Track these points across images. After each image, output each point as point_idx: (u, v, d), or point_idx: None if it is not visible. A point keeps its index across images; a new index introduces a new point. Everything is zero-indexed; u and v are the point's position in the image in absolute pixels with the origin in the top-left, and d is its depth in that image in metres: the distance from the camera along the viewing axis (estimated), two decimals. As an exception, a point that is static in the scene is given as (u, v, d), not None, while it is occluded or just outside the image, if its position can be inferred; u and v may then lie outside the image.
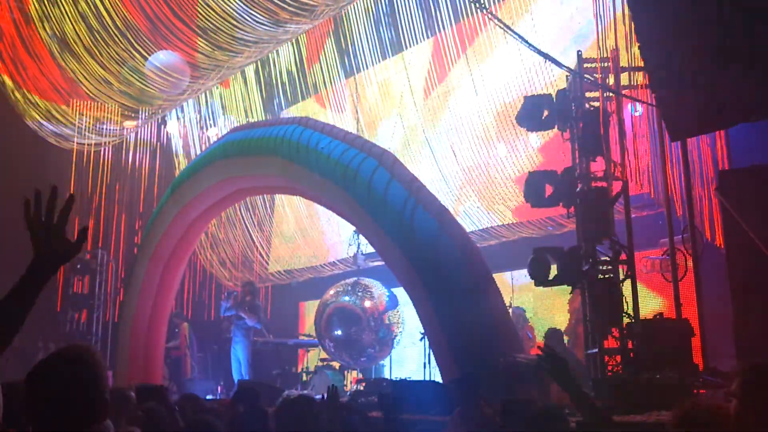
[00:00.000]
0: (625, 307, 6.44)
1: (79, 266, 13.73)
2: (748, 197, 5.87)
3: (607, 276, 6.56)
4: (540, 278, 6.70)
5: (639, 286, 6.78)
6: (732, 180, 6.35)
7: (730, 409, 2.22)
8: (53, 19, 11.97)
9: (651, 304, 8.83)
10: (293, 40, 13.33)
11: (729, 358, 6.06)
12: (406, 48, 12.41)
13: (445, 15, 11.59)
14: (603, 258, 6.65)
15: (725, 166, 8.19)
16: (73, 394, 1.79)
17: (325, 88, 13.67)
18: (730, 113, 5.94)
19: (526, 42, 6.79)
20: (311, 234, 14.73)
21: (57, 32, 11.97)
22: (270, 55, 13.79)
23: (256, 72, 14.59)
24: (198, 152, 13.45)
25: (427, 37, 12.16)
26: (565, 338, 8.90)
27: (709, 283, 6.84)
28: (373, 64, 12.86)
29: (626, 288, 6.60)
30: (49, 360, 1.86)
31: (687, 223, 6.87)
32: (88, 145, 14.46)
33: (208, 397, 10.51)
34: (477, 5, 8.20)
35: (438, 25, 11.83)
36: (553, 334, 8.13)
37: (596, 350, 6.46)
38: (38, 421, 1.79)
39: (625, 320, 6.44)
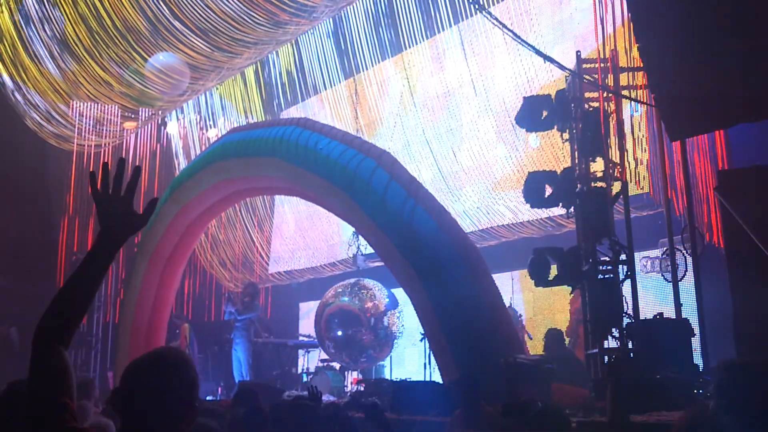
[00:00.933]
0: (625, 307, 6.45)
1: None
2: (748, 197, 5.86)
3: (606, 276, 6.56)
4: (540, 278, 6.71)
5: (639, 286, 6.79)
6: (731, 180, 6.34)
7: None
8: (53, 20, 11.98)
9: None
10: (293, 41, 13.34)
11: (729, 358, 6.06)
12: (406, 48, 12.41)
13: (445, 16, 11.60)
14: (603, 258, 6.66)
15: (725, 166, 8.18)
16: (177, 395, 1.78)
17: (325, 88, 13.67)
18: (729, 113, 5.95)
19: (525, 42, 6.78)
20: (311, 235, 14.74)
21: (57, 34, 11.97)
22: (270, 55, 13.81)
23: (256, 73, 14.59)
24: (198, 153, 13.44)
25: (427, 38, 12.16)
26: (567, 339, 8.90)
27: (709, 283, 6.84)
28: (372, 65, 12.86)
29: (626, 288, 6.61)
30: (155, 359, 1.84)
31: (687, 223, 6.88)
32: (88, 146, 14.47)
33: (209, 398, 10.51)
34: (476, 6, 8.20)
35: (437, 26, 11.84)
36: (552, 334, 8.12)
37: (596, 350, 6.46)
38: (132, 418, 1.76)
39: (625, 320, 6.44)
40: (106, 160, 13.23)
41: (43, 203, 15.01)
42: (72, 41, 11.89)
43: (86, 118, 13.64)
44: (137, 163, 12.63)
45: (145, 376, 1.79)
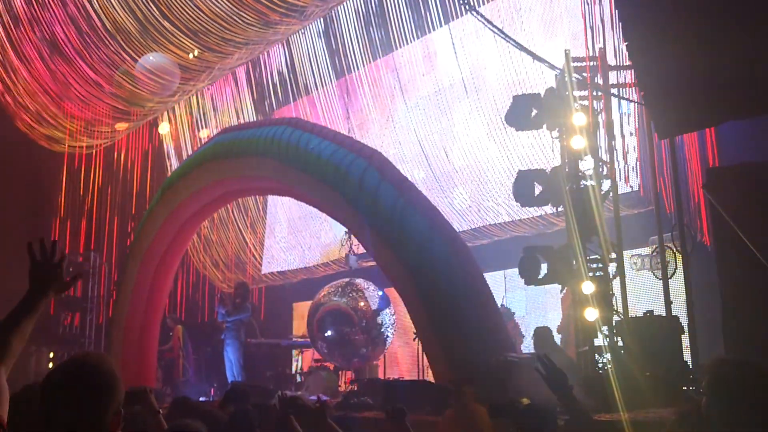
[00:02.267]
0: (615, 304, 6.47)
1: (71, 269, 13.69)
2: (736, 195, 5.89)
3: (596, 274, 6.58)
4: (530, 277, 6.72)
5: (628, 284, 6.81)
6: (719, 177, 6.36)
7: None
8: (43, 21, 11.95)
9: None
10: (284, 41, 13.33)
11: (721, 355, 6.08)
12: (397, 48, 12.41)
13: (435, 15, 11.60)
14: (593, 256, 6.67)
15: (715, 164, 8.21)
16: (93, 402, 1.77)
17: (316, 88, 13.66)
18: (718, 111, 5.97)
19: (514, 42, 6.80)
20: (304, 235, 14.73)
21: (47, 35, 11.94)
22: (260, 56, 13.79)
23: (247, 73, 14.58)
24: (189, 154, 13.43)
25: (418, 37, 12.16)
26: (559, 336, 8.92)
27: (699, 281, 6.86)
28: (363, 65, 12.85)
29: (616, 286, 6.63)
30: (69, 366, 1.84)
31: (677, 221, 6.90)
32: (79, 147, 14.43)
33: (202, 398, 10.49)
34: (467, 7, 8.20)
35: (428, 26, 11.84)
36: (541, 332, 8.12)
37: (587, 348, 6.48)
38: (53, 426, 1.76)
39: (615, 318, 6.46)
40: (97, 162, 13.20)
41: (34, 206, 14.97)
42: (62, 43, 11.85)
43: (77, 120, 13.60)
44: (129, 165, 12.62)
45: (58, 388, 1.80)
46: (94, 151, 14.86)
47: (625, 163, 8.69)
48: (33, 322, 2.05)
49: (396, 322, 10.59)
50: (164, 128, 15.49)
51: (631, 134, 9.00)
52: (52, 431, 1.75)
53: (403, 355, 11.90)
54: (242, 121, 14.21)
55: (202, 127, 15.16)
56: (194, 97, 14.70)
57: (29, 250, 2.13)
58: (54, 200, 15.49)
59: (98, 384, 1.80)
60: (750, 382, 2.10)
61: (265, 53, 13.78)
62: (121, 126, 14.25)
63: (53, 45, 12.03)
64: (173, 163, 15.14)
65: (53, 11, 11.73)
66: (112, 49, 11.58)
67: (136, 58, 11.60)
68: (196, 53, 11.45)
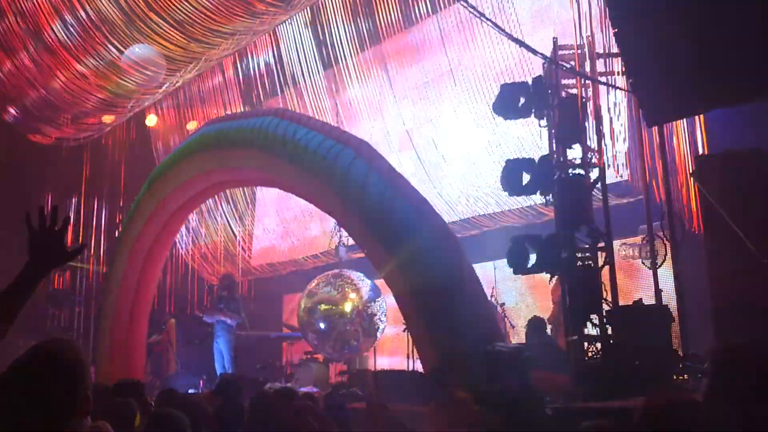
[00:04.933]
0: (604, 294, 6.45)
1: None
2: (725, 182, 5.88)
3: (586, 263, 6.56)
4: (518, 266, 6.70)
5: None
6: (708, 165, 6.37)
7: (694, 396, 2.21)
8: (28, 13, 11.80)
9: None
10: (271, 32, 13.22)
11: (709, 344, 6.08)
12: (385, 39, 12.33)
13: (423, 5, 11.53)
14: (582, 245, 6.65)
15: (704, 152, 8.20)
16: (53, 390, 1.72)
17: (304, 79, 13.56)
18: (706, 98, 5.96)
19: (502, 30, 6.75)
20: (293, 227, 14.66)
21: (32, 27, 11.80)
22: (247, 47, 13.68)
23: (234, 64, 14.47)
24: (176, 145, 13.32)
25: (405, 28, 12.08)
26: (549, 326, 8.92)
27: (689, 269, 6.86)
28: (351, 56, 12.76)
29: (605, 275, 6.61)
30: (28, 355, 1.79)
31: (666, 210, 6.89)
32: (66, 139, 14.31)
33: (191, 391, 10.44)
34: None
35: (416, 15, 11.76)
36: (533, 322, 8.12)
37: (576, 337, 6.46)
38: (15, 420, 1.70)
39: (605, 307, 6.45)
40: (84, 154, 13.09)
41: (20, 198, 14.83)
42: (46, 34, 11.72)
43: (64, 112, 13.47)
44: (116, 158, 12.53)
45: (17, 376, 1.74)
46: (80, 144, 14.74)
47: (614, 152, 8.66)
48: (28, 297, 1.96)
49: (386, 313, 10.56)
50: (151, 120, 15.37)
51: (621, 124, 8.97)
52: (14, 427, 1.71)
53: (394, 346, 11.88)
54: (229, 113, 14.10)
55: (189, 119, 15.04)
56: (181, 88, 14.58)
57: (27, 221, 1.99)
58: (41, 193, 15.37)
59: (59, 373, 1.75)
60: (754, 368, 2.09)
61: (252, 44, 13.67)
62: (108, 118, 14.12)
63: (38, 36, 11.88)
64: (160, 155, 15.02)
65: (38, 2, 11.58)
66: (98, 40, 11.45)
67: (122, 49, 11.48)
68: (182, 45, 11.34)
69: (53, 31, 11.75)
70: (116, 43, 11.34)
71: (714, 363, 2.21)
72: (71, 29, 11.61)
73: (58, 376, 1.75)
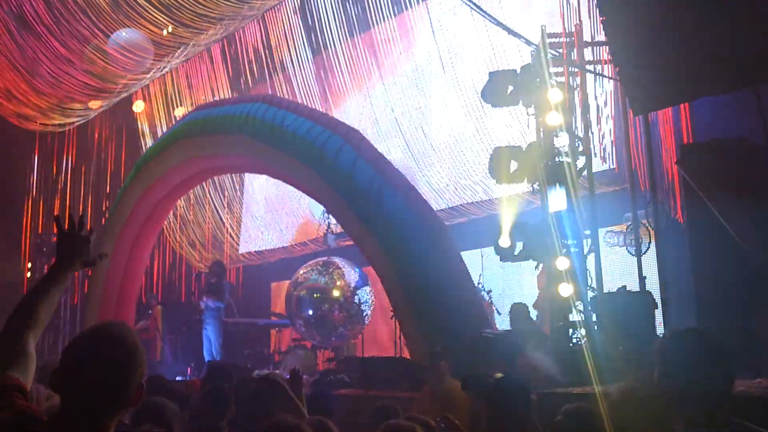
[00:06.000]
0: (589, 280, 6.51)
1: (45, 249, 13.53)
2: (709, 171, 5.94)
3: (571, 250, 6.61)
4: (505, 254, 6.74)
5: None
6: (693, 154, 6.42)
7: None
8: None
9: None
10: (259, 18, 13.14)
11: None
12: (374, 25, 12.28)
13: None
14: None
15: (689, 141, 8.24)
16: (118, 375, 1.67)
17: (292, 66, 13.50)
18: (692, 87, 5.99)
19: (491, 17, 6.75)
20: (281, 214, 14.64)
21: (15, 9, 11.65)
22: (236, 33, 13.59)
23: (222, 50, 14.37)
24: (164, 132, 13.25)
25: (395, 15, 12.03)
26: (534, 312, 8.97)
27: (673, 256, 6.93)
28: (340, 42, 12.71)
29: (590, 262, 6.67)
30: (92, 331, 1.74)
31: (650, 198, 6.94)
32: (52, 125, 14.18)
33: (178, 378, 10.45)
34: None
35: (405, 2, 11.71)
36: (516, 308, 8.15)
37: (561, 323, 6.52)
38: (71, 402, 1.66)
39: (590, 293, 6.50)
40: (70, 140, 12.97)
41: (3, 185, 14.72)
42: (31, 18, 11.58)
43: (49, 97, 13.34)
44: (103, 143, 12.42)
45: (83, 351, 1.69)
46: (66, 129, 14.61)
47: (600, 140, 8.70)
48: (61, 292, 2.10)
49: (374, 301, 10.59)
50: (139, 106, 15.26)
51: (608, 115, 9.00)
52: (72, 405, 1.67)
53: (381, 333, 11.92)
54: (217, 99, 14.02)
55: (177, 105, 14.95)
56: (169, 74, 14.48)
57: (57, 223, 2.20)
58: (26, 180, 15.27)
59: (122, 358, 1.69)
60: (698, 351, 2.12)
61: (241, 30, 13.58)
62: (94, 104, 14.00)
63: (21, 20, 11.74)
64: (148, 142, 14.93)
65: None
66: (83, 24, 11.33)
67: (108, 33, 11.37)
68: (170, 29, 11.25)
69: (38, 14, 11.61)
70: (102, 27, 11.22)
71: (660, 349, 2.24)
72: (56, 12, 11.47)
73: (125, 358, 1.70)
